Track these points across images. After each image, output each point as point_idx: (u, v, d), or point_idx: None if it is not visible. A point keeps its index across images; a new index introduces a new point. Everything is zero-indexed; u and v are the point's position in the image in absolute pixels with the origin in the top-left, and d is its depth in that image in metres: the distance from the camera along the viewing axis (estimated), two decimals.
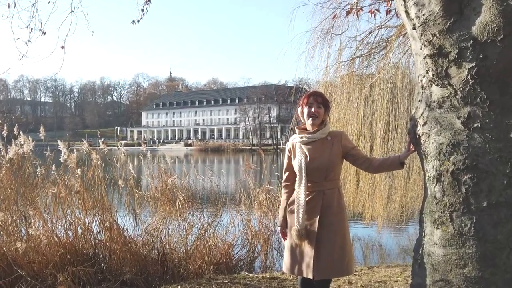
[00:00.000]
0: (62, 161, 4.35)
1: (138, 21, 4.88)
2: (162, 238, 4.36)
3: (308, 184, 2.45)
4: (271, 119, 69.45)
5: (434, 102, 2.03)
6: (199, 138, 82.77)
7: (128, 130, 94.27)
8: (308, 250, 2.44)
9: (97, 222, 4.25)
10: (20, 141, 4.47)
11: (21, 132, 4.55)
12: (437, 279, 1.99)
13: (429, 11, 1.92)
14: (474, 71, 1.85)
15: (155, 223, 4.48)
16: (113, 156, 4.97)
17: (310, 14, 6.09)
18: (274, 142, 62.08)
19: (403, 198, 6.16)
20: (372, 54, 6.13)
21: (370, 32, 6.01)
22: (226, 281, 3.86)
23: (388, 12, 5.23)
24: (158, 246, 4.24)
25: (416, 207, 6.00)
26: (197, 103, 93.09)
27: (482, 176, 1.89)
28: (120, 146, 5.01)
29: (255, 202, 4.96)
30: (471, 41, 1.83)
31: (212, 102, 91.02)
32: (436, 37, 1.91)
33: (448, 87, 1.96)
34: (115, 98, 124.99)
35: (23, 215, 4.17)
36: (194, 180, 5.36)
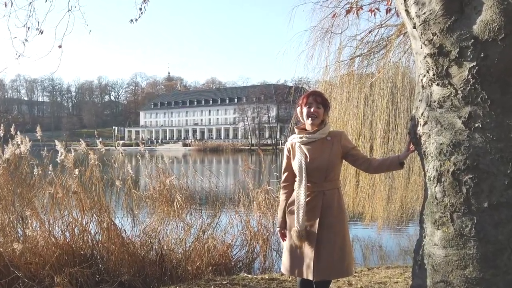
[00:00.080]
0: (59, 161, 4.33)
1: (136, 20, 4.85)
2: (160, 239, 4.34)
3: (308, 184, 2.43)
4: (270, 119, 69.45)
5: (435, 101, 2.01)
6: (198, 138, 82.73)
7: (126, 130, 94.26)
8: (308, 251, 2.42)
9: (94, 223, 4.24)
10: (17, 141, 4.45)
11: (18, 132, 4.52)
12: (437, 280, 1.98)
13: (430, 10, 1.91)
14: (475, 70, 1.84)
15: (153, 224, 4.46)
16: (110, 156, 4.95)
17: (310, 13, 6.08)
18: (273, 142, 62.11)
19: (404, 199, 6.15)
20: (372, 53, 6.12)
21: (370, 31, 6.00)
22: (224, 282, 3.84)
23: (388, 11, 5.22)
24: (156, 247, 4.22)
25: (416, 208, 5.99)
26: (195, 102, 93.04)
27: (483, 176, 1.88)
28: (118, 146, 5.00)
29: (254, 202, 4.94)
30: (472, 40, 1.82)
31: (211, 101, 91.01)
32: (437, 36, 1.90)
33: (449, 87, 1.95)
34: (113, 98, 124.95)
35: (20, 216, 4.15)
36: (193, 181, 5.35)
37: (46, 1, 4.47)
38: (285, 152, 2.59)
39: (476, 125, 1.90)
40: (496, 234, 1.86)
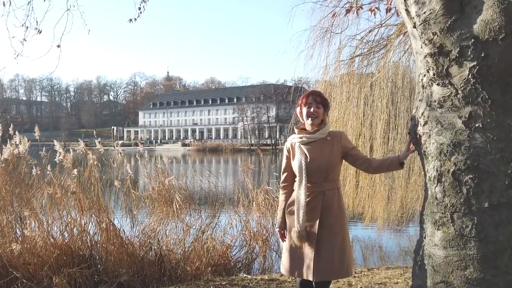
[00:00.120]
0: (58, 161, 4.32)
1: (135, 19, 4.84)
2: (160, 239, 4.33)
3: (308, 185, 2.42)
4: (270, 119, 69.41)
5: (435, 101, 2.01)
6: (197, 138, 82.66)
7: (125, 130, 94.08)
8: (308, 252, 2.41)
9: (93, 223, 4.23)
10: (16, 141, 4.43)
11: (16, 132, 4.51)
12: (437, 281, 1.97)
13: (430, 9, 1.90)
14: (475, 70, 1.84)
15: (152, 224, 4.45)
16: (109, 156, 4.93)
17: (309, 13, 6.08)
18: (273, 142, 62.03)
19: (404, 199, 6.14)
20: (372, 53, 6.11)
21: (370, 31, 5.99)
22: (224, 283, 3.83)
23: (388, 10, 5.21)
24: (155, 247, 4.21)
25: (416, 208, 5.98)
26: (194, 102, 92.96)
27: (484, 176, 1.87)
28: (117, 146, 4.98)
29: (254, 203, 4.93)
30: (472, 40, 1.81)
31: (210, 101, 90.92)
32: (437, 36, 1.89)
33: (449, 87, 1.94)
34: (111, 98, 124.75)
35: (18, 216, 4.14)
36: (192, 181, 5.34)
37: (44, 0, 4.46)
38: (285, 152, 2.58)
39: (477, 125, 1.89)
40: (497, 235, 1.85)
